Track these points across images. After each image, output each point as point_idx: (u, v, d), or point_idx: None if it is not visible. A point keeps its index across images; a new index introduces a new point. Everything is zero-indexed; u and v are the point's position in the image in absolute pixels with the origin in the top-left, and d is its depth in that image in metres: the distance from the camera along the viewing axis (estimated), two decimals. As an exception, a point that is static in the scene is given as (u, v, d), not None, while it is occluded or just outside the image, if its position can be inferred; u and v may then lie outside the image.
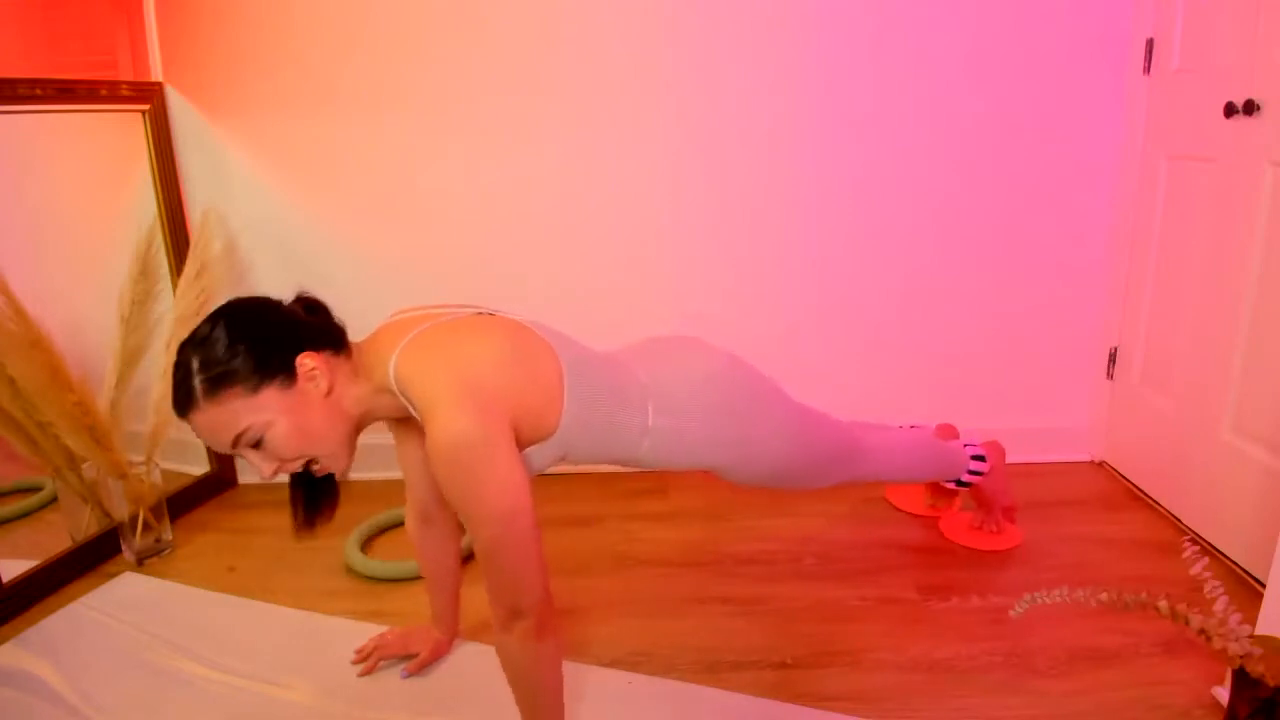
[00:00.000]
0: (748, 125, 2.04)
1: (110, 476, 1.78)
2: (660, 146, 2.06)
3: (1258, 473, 1.59)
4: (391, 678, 1.42)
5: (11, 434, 1.69)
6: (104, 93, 1.88)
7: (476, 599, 1.58)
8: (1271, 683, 1.05)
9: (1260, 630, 1.22)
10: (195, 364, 1.01)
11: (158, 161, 2.01)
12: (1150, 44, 1.92)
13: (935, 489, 1.94)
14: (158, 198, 2.02)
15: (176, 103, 2.05)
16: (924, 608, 1.58)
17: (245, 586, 1.72)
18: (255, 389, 1.02)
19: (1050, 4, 1.95)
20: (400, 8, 1.98)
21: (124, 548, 1.84)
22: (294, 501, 1.21)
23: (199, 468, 2.16)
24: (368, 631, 1.52)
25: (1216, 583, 1.10)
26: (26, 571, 1.68)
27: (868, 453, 1.53)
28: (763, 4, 1.96)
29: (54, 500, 1.86)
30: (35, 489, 1.91)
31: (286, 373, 1.04)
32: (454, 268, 2.12)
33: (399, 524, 1.94)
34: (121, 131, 1.97)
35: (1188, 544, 1.15)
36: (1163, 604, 1.10)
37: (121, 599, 1.68)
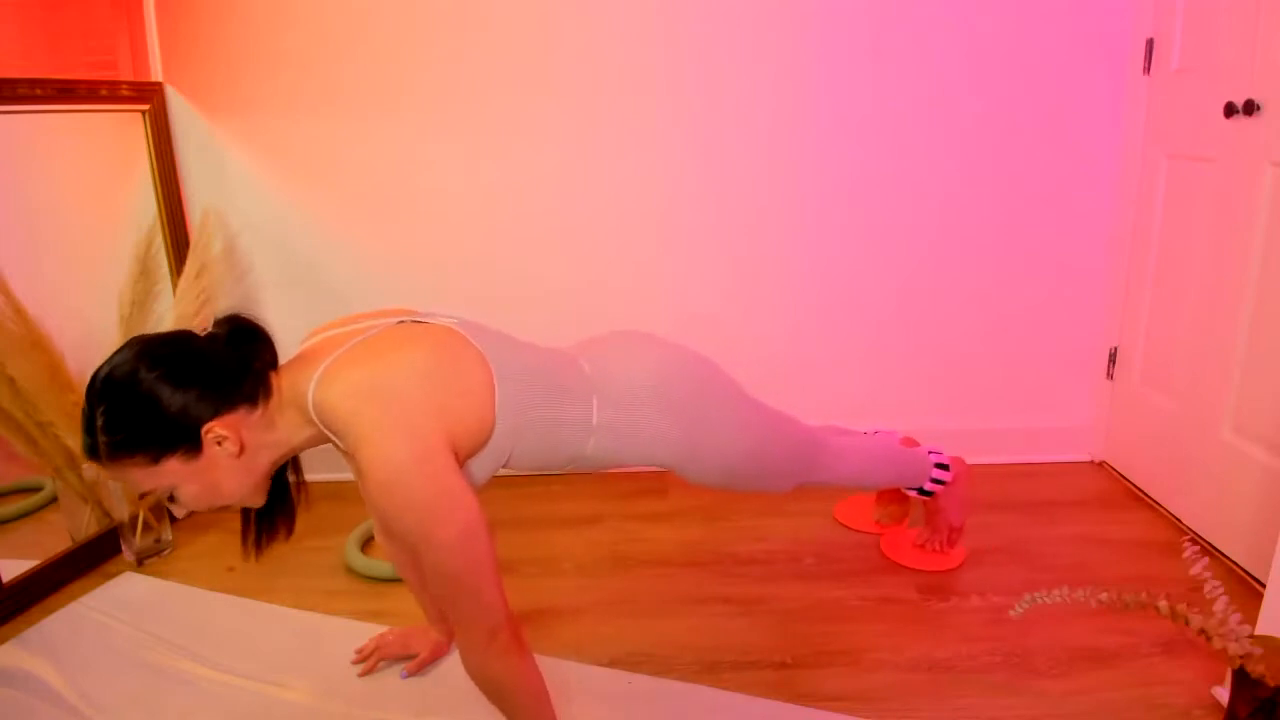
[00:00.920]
0: (748, 125, 2.04)
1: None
2: (660, 146, 2.06)
3: (1258, 473, 1.59)
4: (391, 678, 1.42)
5: (11, 434, 1.69)
6: (104, 93, 1.88)
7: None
8: (1271, 683, 1.05)
9: (1260, 630, 1.22)
10: (100, 421, 0.95)
11: (158, 161, 2.01)
12: (1150, 44, 1.92)
13: (885, 503, 1.90)
14: (158, 198, 2.02)
15: (176, 103, 2.05)
16: (924, 608, 1.58)
17: (245, 586, 1.72)
18: (156, 460, 0.97)
19: (1050, 4, 1.95)
20: (400, 8, 1.98)
21: (124, 548, 1.84)
22: (244, 520, 1.16)
23: (199, 468, 2.16)
24: (368, 631, 1.52)
25: (1216, 583, 1.10)
26: (26, 571, 1.68)
27: (829, 455, 1.49)
28: (762, 4, 1.96)
29: (54, 500, 1.86)
30: (35, 489, 1.91)
31: (190, 444, 0.98)
32: (454, 268, 2.12)
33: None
34: (121, 131, 1.97)
35: (1188, 544, 1.15)
36: (1163, 604, 1.10)
37: (121, 599, 1.68)
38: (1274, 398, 1.56)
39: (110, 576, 1.77)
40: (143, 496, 1.00)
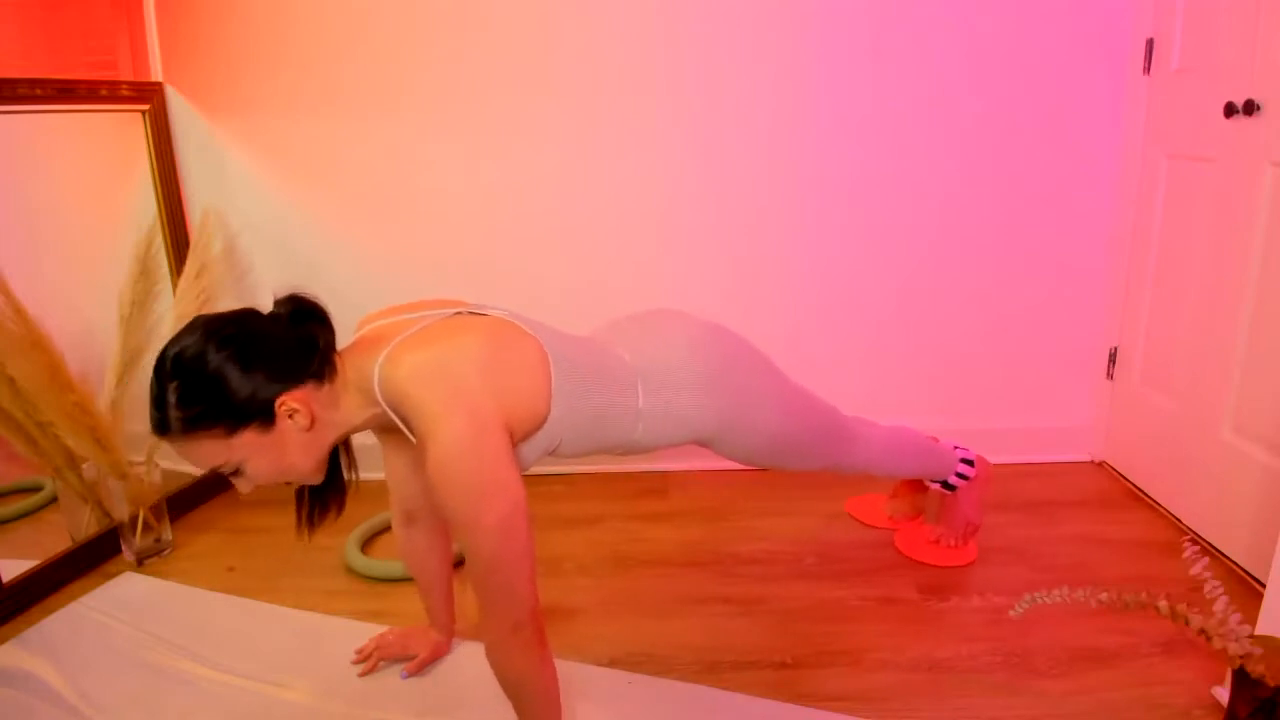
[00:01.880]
0: (748, 125, 2.04)
1: (110, 476, 1.78)
2: (660, 146, 2.06)
3: (1258, 473, 1.59)
4: (391, 678, 1.42)
5: (11, 434, 1.69)
6: (104, 93, 1.88)
7: (473, 599, 1.58)
8: (1271, 683, 1.05)
9: (1260, 630, 1.22)
10: (172, 397, 0.98)
11: (158, 161, 2.01)
12: (1150, 44, 1.92)
13: (900, 497, 1.91)
14: (158, 198, 2.02)
15: (176, 103, 2.05)
16: (924, 608, 1.58)
17: (245, 586, 1.72)
18: (231, 431, 1.00)
19: (1050, 4, 1.95)
20: (400, 8, 1.98)
21: (124, 548, 1.84)
22: (299, 499, 1.20)
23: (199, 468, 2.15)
24: (368, 631, 1.52)
25: (1216, 583, 1.10)
26: (26, 571, 1.68)
27: (859, 439, 1.53)
28: (762, 4, 1.96)
29: (54, 500, 1.86)
30: (35, 489, 1.91)
31: (264, 417, 1.01)
32: (454, 267, 2.12)
33: (399, 524, 1.94)
34: (121, 131, 1.97)
35: (1188, 544, 1.15)
36: (1163, 604, 1.10)
37: (121, 599, 1.68)
38: (1274, 398, 1.56)
39: (110, 576, 1.77)
40: (211, 472, 1.01)
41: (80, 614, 1.63)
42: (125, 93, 1.93)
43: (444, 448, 0.98)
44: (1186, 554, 1.13)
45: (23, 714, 1.35)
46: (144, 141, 1.99)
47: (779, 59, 2.00)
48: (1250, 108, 1.58)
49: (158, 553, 1.86)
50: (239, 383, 0.99)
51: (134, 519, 1.81)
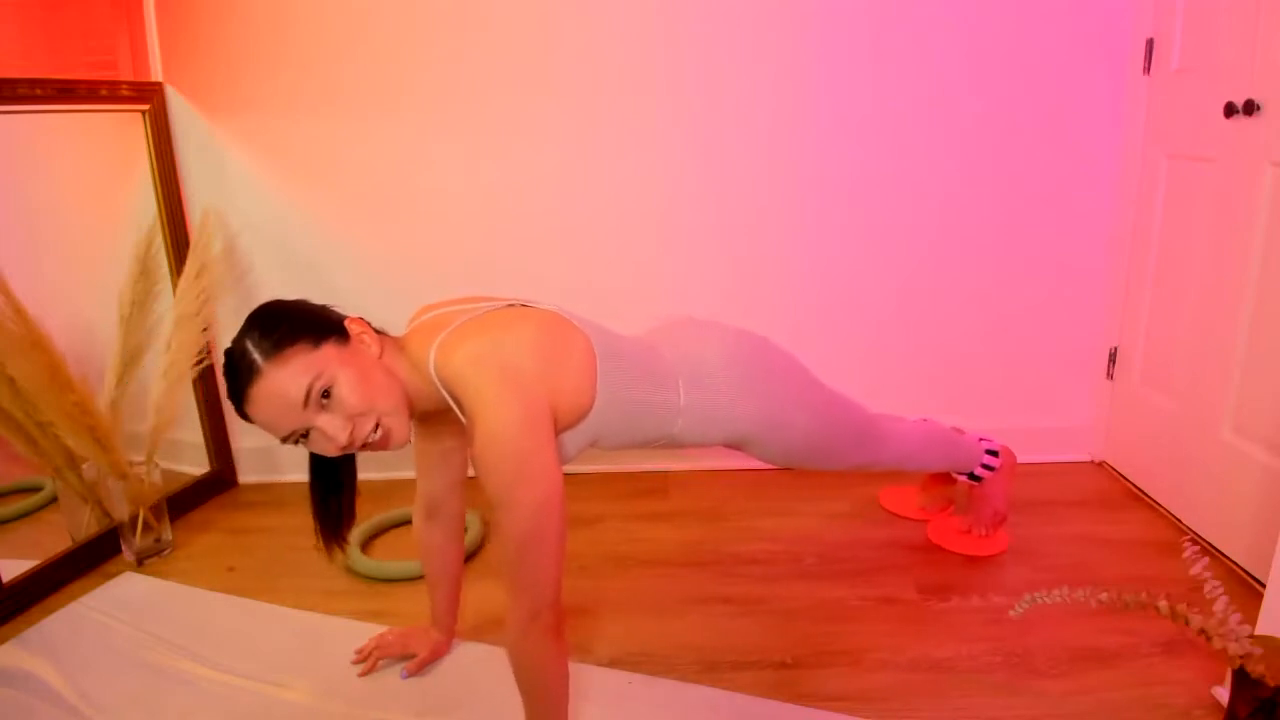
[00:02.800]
0: (748, 125, 2.04)
1: (110, 476, 1.78)
2: (660, 146, 2.06)
3: (1258, 473, 1.59)
4: (391, 678, 1.42)
5: (11, 434, 1.69)
6: (104, 93, 1.88)
7: (475, 600, 1.59)
8: (1271, 683, 1.05)
9: (1260, 630, 1.22)
10: (251, 341, 1.03)
11: (158, 161, 2.01)
12: (1150, 44, 1.92)
13: (930, 489, 1.95)
14: (158, 198, 2.02)
15: (176, 103, 2.05)
16: (924, 608, 1.58)
17: (245, 586, 1.72)
18: (316, 343, 1.05)
19: (1050, 4, 1.95)
20: (400, 8, 1.98)
21: (124, 548, 1.84)
22: (316, 503, 1.20)
23: (199, 468, 2.15)
24: (368, 631, 1.52)
25: (1216, 583, 1.10)
26: (26, 571, 1.68)
27: (888, 436, 1.58)
28: (762, 4, 1.96)
29: (54, 500, 1.86)
30: (35, 489, 1.91)
31: (340, 333, 1.08)
32: (454, 267, 2.12)
33: (399, 524, 1.94)
34: (121, 131, 1.97)
35: (1188, 544, 1.15)
36: (1163, 604, 1.10)
37: (121, 599, 1.68)
38: (1274, 398, 1.56)
39: (110, 576, 1.77)
40: (305, 402, 1.03)
41: (80, 614, 1.63)
42: (125, 93, 1.93)
43: (494, 426, 1.02)
44: (1186, 554, 1.13)
45: (23, 714, 1.35)
46: (144, 141, 1.99)
47: (779, 59, 2.00)
48: (1250, 108, 1.58)
49: (158, 553, 1.86)
50: (308, 308, 1.10)
51: (134, 519, 1.81)
